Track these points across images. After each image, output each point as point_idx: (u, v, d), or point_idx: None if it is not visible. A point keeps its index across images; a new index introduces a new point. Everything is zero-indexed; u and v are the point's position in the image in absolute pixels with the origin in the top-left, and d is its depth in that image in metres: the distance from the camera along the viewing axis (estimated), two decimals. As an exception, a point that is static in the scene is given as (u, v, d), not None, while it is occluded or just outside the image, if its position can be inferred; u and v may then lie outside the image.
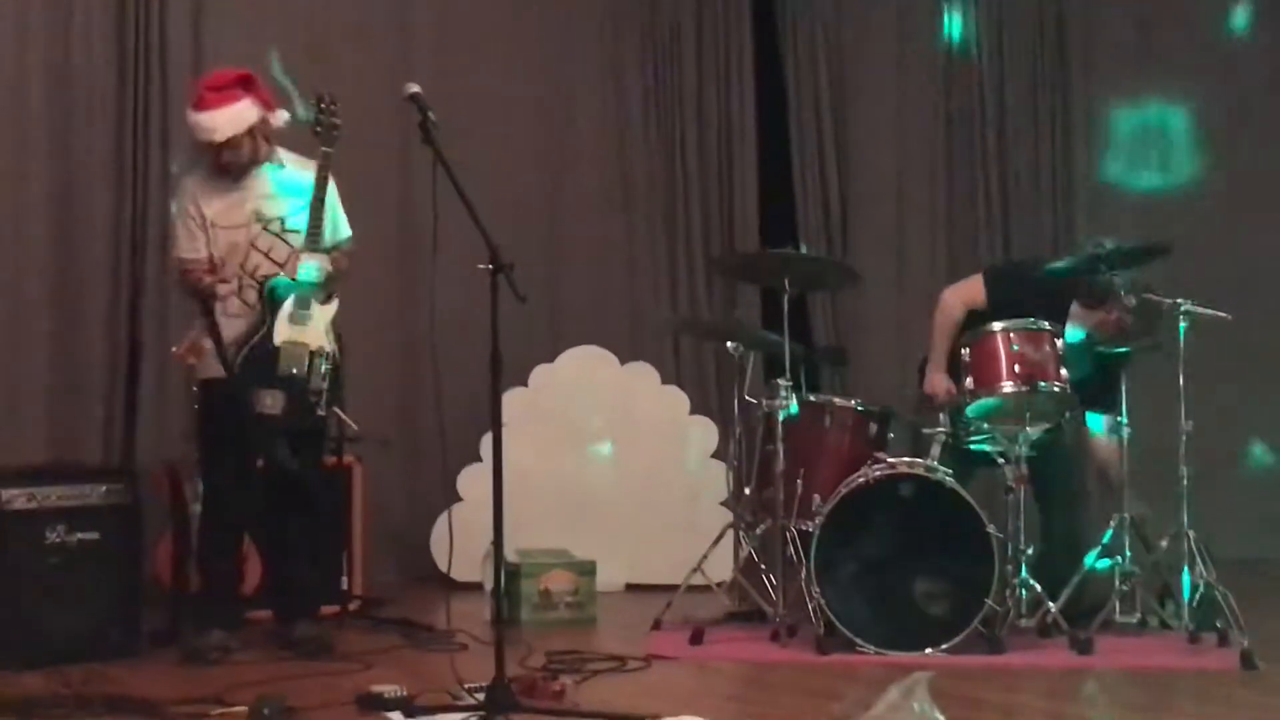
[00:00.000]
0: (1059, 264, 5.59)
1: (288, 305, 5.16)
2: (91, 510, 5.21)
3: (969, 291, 5.85)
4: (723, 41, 8.16)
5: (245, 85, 5.22)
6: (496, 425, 4.23)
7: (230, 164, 5.23)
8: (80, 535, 5.17)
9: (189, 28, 6.89)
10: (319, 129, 5.20)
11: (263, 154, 5.29)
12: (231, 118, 5.16)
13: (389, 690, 4.35)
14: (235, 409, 5.14)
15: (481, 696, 4.15)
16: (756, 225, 8.09)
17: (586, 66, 7.97)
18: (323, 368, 5.17)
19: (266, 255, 5.26)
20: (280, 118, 5.28)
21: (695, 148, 8.09)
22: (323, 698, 4.43)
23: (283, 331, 5.14)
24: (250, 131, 5.20)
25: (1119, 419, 5.50)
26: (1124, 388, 5.50)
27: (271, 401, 5.09)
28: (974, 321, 5.65)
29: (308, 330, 5.17)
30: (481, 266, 4.17)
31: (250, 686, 4.55)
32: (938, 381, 5.69)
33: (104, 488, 5.27)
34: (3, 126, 6.46)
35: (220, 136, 5.18)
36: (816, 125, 8.23)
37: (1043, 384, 5.36)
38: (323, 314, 5.24)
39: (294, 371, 5.11)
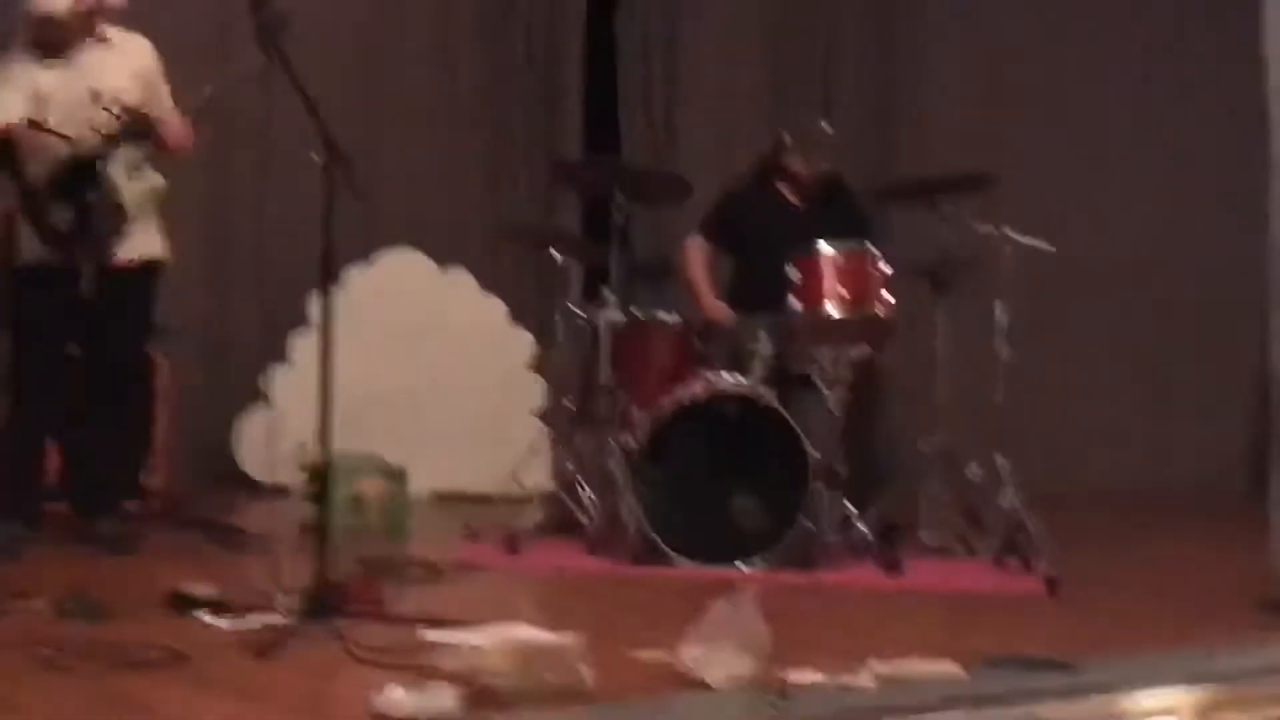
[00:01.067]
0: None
1: None
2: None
3: (695, 249, 6.08)
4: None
5: None
6: (328, 326, 4.09)
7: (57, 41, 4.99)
8: None
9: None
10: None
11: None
12: None
13: (201, 589, 4.23)
14: (52, 292, 4.93)
15: (298, 600, 4.05)
16: (579, 131, 8.01)
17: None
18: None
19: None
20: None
21: (522, 51, 7.95)
22: (130, 595, 4.29)
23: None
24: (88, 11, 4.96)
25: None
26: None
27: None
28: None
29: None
30: (315, 158, 4.02)
31: (51, 582, 4.40)
32: (718, 308, 5.80)
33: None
34: None
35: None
36: (644, 32, 8.13)
37: (866, 308, 5.42)
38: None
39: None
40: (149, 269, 5.23)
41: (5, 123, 4.94)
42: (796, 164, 5.94)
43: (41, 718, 3.13)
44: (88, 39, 5.09)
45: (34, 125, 4.96)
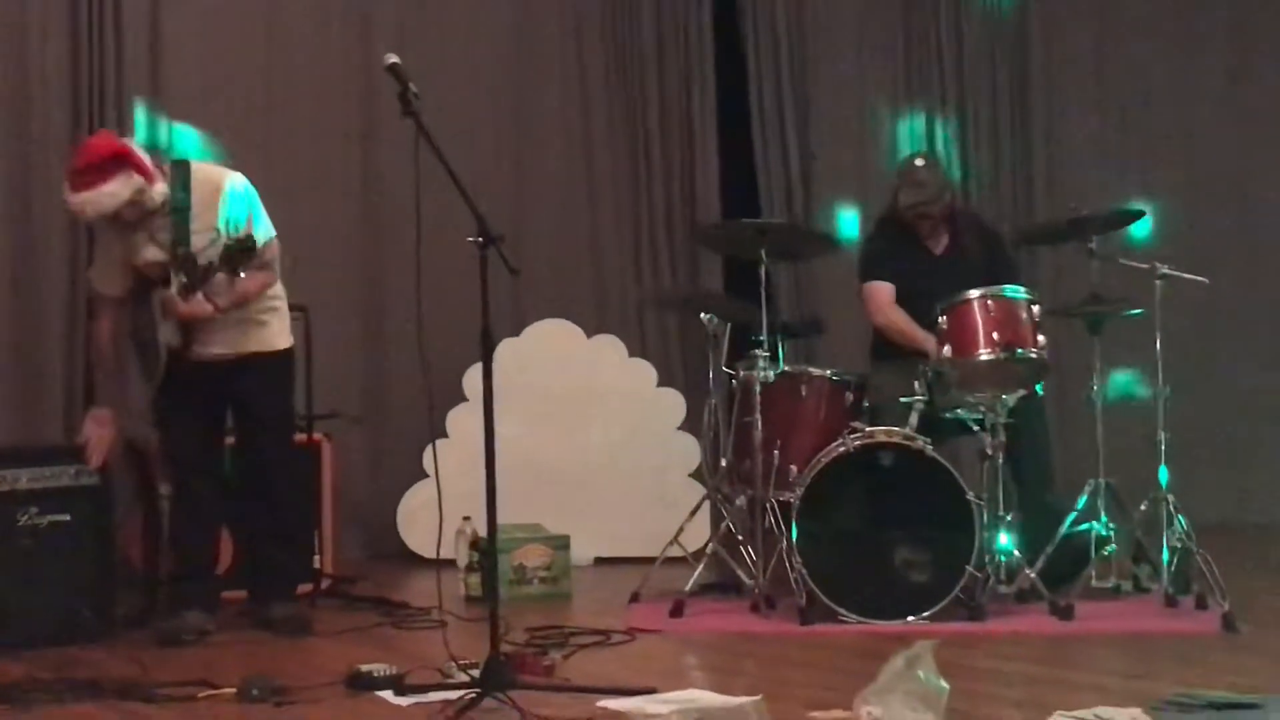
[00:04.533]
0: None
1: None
2: (61, 492, 5.14)
3: (879, 290, 5.99)
4: (682, 16, 8.11)
5: (118, 161, 5.01)
6: (488, 399, 4.16)
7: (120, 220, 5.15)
8: (51, 517, 5.10)
9: (147, 13, 6.82)
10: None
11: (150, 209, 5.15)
12: (95, 200, 5.00)
13: (378, 669, 4.30)
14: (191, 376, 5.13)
15: (474, 674, 4.10)
16: (718, 197, 8.06)
17: (548, 49, 7.91)
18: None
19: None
20: (160, 190, 5.14)
21: (657, 121, 8.03)
22: (309, 677, 4.37)
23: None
24: (129, 203, 5.05)
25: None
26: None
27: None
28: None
29: None
30: (471, 240, 4.10)
31: (232, 668, 4.51)
32: (929, 339, 5.63)
33: (73, 469, 5.19)
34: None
35: (85, 218, 5.16)
36: (777, 96, 8.18)
37: (1020, 350, 5.38)
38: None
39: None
40: (267, 359, 5.36)
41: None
42: (905, 198, 5.92)
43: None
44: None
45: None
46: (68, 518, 5.12)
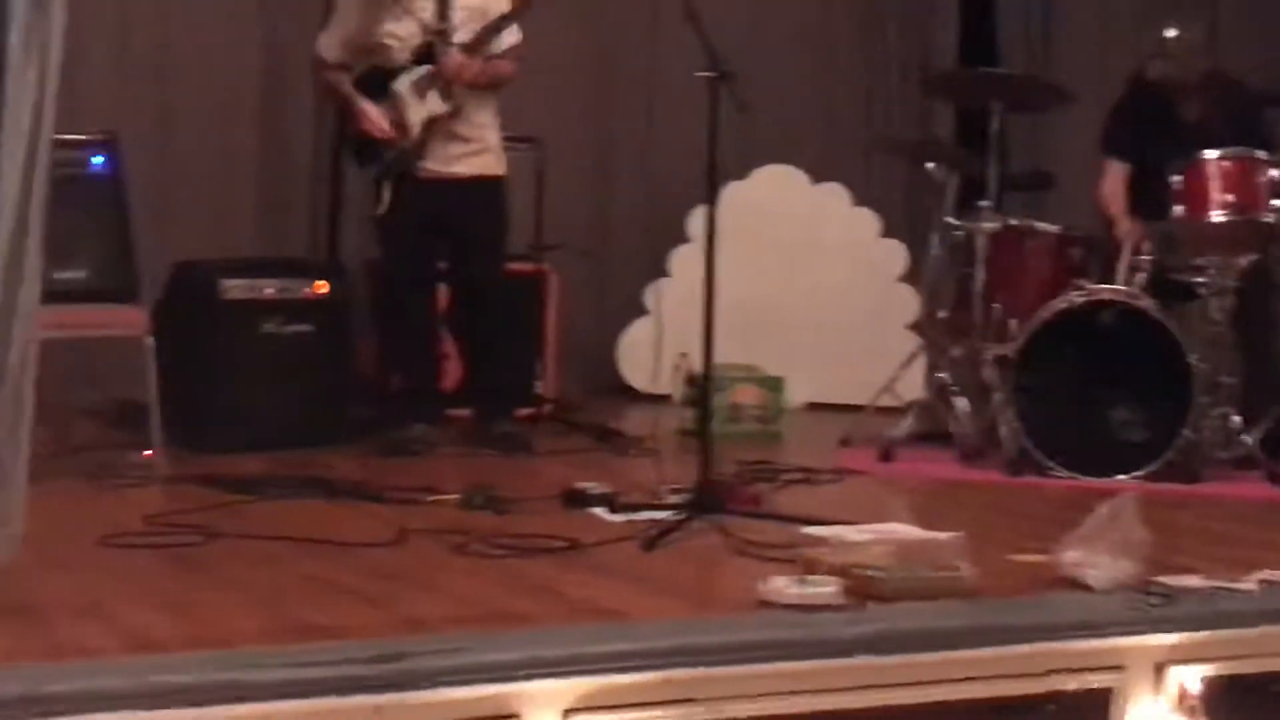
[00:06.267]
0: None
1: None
2: (304, 303, 5.40)
3: (1111, 171, 5.87)
4: None
5: None
6: (711, 238, 4.25)
7: None
8: (293, 327, 5.36)
9: None
10: None
11: None
12: None
13: (593, 487, 4.48)
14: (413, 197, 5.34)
15: (684, 497, 4.25)
16: (955, 43, 7.93)
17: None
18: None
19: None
20: None
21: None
22: (527, 491, 4.57)
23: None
24: None
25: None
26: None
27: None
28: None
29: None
30: (700, 75, 4.16)
31: (455, 478, 4.73)
32: (1131, 230, 5.66)
33: (317, 282, 5.44)
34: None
35: None
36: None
37: (1251, 213, 5.27)
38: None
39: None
40: (486, 184, 5.52)
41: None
42: (1154, 72, 5.77)
43: (459, 597, 3.40)
44: None
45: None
46: (308, 328, 5.39)
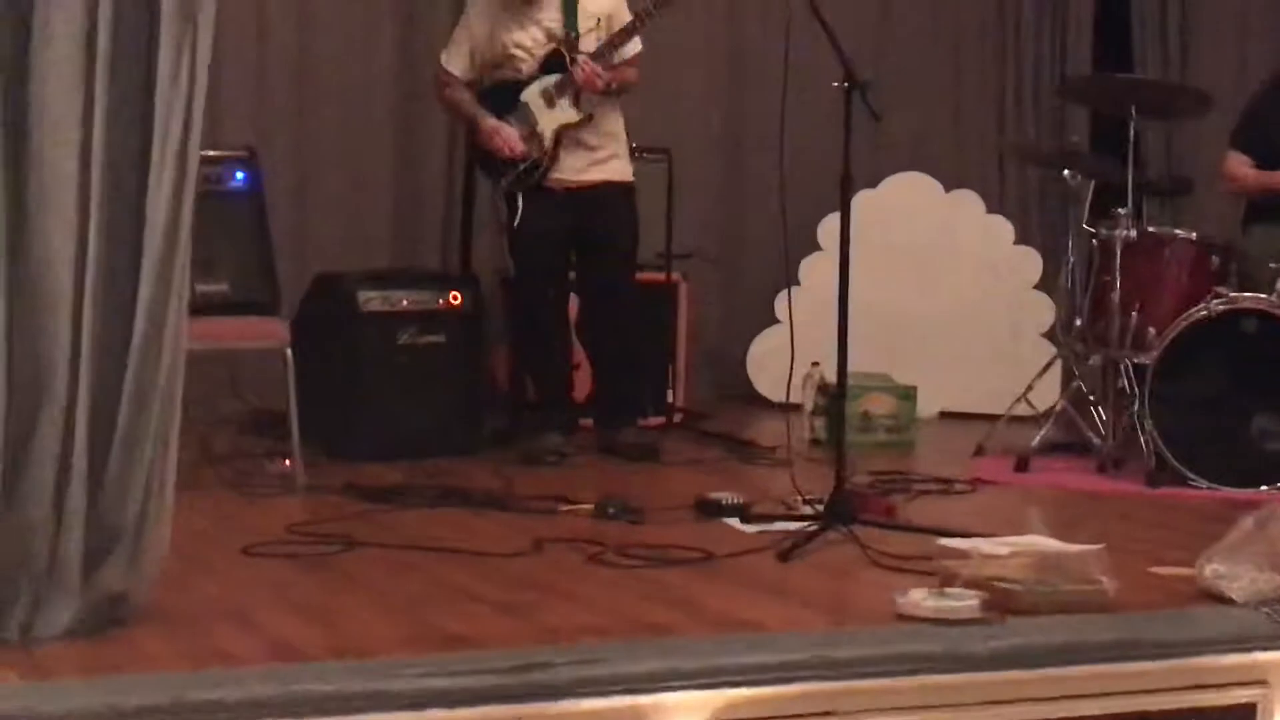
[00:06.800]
0: None
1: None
2: (439, 314, 5.47)
3: (1235, 163, 5.81)
4: None
5: None
6: (845, 245, 4.25)
7: None
8: (429, 338, 5.43)
9: None
10: None
11: None
12: None
13: (725, 497, 4.49)
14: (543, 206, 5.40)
15: (818, 507, 4.24)
16: (1089, 48, 7.83)
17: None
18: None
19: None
20: None
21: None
22: (661, 501, 4.59)
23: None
24: None
25: None
26: None
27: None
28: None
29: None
30: (836, 85, 4.16)
31: (588, 487, 4.76)
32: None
33: (451, 293, 5.51)
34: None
35: None
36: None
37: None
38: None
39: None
40: (616, 191, 5.55)
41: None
42: None
43: (600, 606, 3.41)
44: None
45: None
46: (443, 339, 5.45)
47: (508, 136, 5.43)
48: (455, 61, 5.58)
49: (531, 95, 5.45)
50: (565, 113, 5.44)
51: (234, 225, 4.90)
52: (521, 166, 5.44)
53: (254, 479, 4.82)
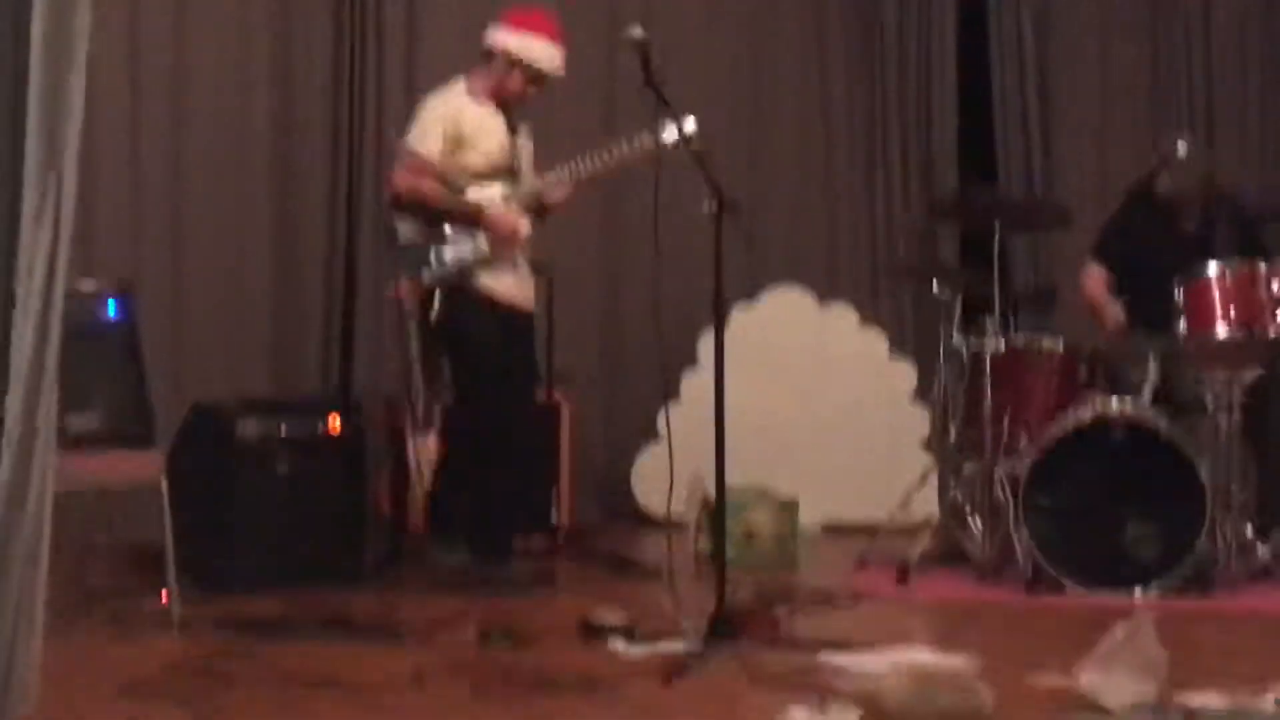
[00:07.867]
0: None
1: None
2: (318, 441, 5.41)
3: (1094, 275, 6.05)
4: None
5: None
6: (719, 363, 4.29)
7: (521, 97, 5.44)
8: (308, 465, 5.38)
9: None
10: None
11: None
12: (557, 58, 5.39)
13: (610, 619, 4.48)
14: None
15: (701, 627, 4.25)
16: (955, 162, 8.02)
17: (787, 11, 7.95)
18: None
19: None
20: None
21: (895, 85, 8.02)
22: (546, 624, 4.57)
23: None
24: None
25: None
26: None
27: None
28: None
29: None
30: (706, 210, 4.23)
31: (471, 614, 4.72)
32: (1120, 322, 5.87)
33: (331, 419, 5.47)
34: (225, 71, 6.66)
35: (559, 72, 5.40)
36: (1019, 60, 8.07)
37: (1256, 329, 5.30)
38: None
39: None
40: (531, 317, 5.59)
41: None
42: (1163, 186, 5.86)
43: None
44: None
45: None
46: (323, 466, 5.40)
47: (513, 221, 5.40)
48: (427, 144, 5.37)
49: (493, 195, 5.41)
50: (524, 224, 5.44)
51: (107, 358, 4.84)
52: (456, 259, 5.37)
53: (129, 615, 4.72)
